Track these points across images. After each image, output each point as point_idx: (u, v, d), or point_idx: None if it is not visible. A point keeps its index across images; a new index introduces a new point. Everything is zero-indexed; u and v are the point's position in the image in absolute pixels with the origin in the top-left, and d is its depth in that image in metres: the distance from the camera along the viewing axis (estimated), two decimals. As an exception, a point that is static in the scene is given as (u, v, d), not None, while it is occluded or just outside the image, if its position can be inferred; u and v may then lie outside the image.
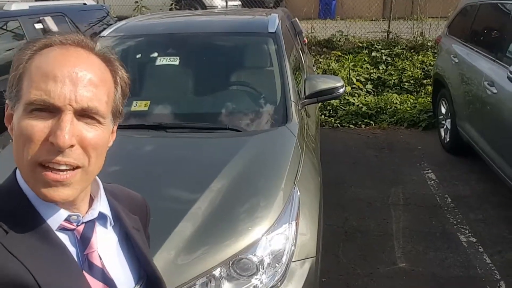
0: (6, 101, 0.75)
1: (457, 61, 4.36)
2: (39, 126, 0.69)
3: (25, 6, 4.05)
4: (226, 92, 2.50)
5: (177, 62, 2.58)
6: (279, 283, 1.45)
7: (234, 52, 2.72)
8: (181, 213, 1.53)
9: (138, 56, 2.76)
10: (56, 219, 0.75)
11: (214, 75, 2.57)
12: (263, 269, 1.43)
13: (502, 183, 3.42)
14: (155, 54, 2.66)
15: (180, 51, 2.66)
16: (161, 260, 1.36)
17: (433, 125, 5.36)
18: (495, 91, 3.37)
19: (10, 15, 3.78)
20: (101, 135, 0.75)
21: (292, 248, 1.54)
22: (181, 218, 1.51)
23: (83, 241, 0.78)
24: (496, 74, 3.42)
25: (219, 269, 1.39)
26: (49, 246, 0.73)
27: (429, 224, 3.38)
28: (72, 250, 0.76)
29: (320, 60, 7.35)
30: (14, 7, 3.89)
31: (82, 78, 0.71)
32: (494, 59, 3.59)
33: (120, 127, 2.28)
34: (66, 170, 0.71)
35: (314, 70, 4.26)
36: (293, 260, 1.52)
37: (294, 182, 1.77)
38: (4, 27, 3.75)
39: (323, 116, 5.89)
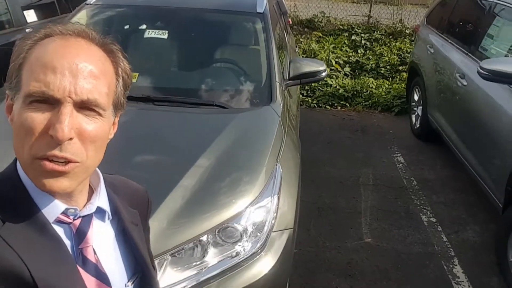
0: (7, 92, 0.74)
1: (432, 51, 4.54)
2: (39, 118, 0.68)
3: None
4: (213, 69, 2.56)
5: (165, 36, 2.61)
6: (259, 250, 1.60)
7: (222, 29, 2.77)
8: (171, 185, 1.63)
9: (126, 27, 2.77)
10: (53, 212, 0.74)
11: (203, 51, 2.62)
12: (246, 237, 1.56)
13: (464, 169, 3.68)
14: (144, 26, 2.68)
15: (169, 24, 2.69)
16: (152, 228, 1.45)
17: (405, 111, 5.59)
18: (465, 83, 3.57)
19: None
20: (101, 127, 0.73)
21: (273, 220, 1.68)
22: (171, 190, 1.61)
23: (79, 235, 0.77)
24: (467, 67, 3.62)
25: (206, 236, 1.51)
26: (45, 238, 0.72)
27: (394, 204, 3.62)
28: (67, 243, 0.75)
29: (301, 40, 7.42)
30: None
31: (82, 70, 0.70)
32: (467, 52, 3.78)
33: None
34: (64, 161, 0.70)
35: (296, 50, 4.35)
36: (273, 230, 1.66)
37: (277, 159, 1.90)
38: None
39: (301, 96, 6.01)
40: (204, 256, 1.50)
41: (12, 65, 0.73)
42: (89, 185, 0.82)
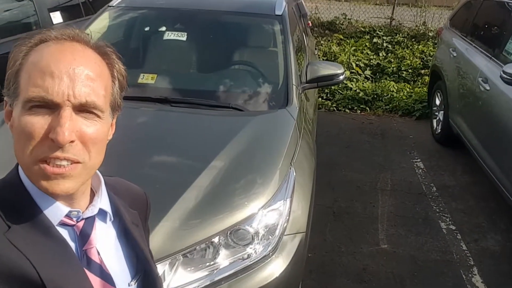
0: (5, 98, 0.76)
1: (455, 54, 4.45)
2: (39, 123, 0.70)
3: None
4: (231, 71, 2.58)
5: (184, 38, 2.64)
6: (271, 253, 1.60)
7: (240, 32, 2.79)
8: (184, 186, 1.64)
9: (147, 28, 2.82)
10: (57, 215, 0.76)
11: (220, 53, 2.65)
12: (257, 239, 1.56)
13: (484, 175, 3.59)
14: (163, 28, 2.72)
15: (188, 27, 2.73)
16: (165, 228, 1.48)
17: (426, 116, 5.49)
18: (488, 88, 3.49)
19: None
20: (100, 129, 0.75)
21: (285, 223, 1.67)
22: (184, 191, 1.63)
23: (82, 237, 0.78)
24: (490, 71, 3.53)
25: (218, 237, 1.52)
26: (51, 241, 0.74)
27: (413, 210, 3.56)
28: (71, 245, 0.77)
29: (322, 42, 7.39)
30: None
31: (79, 73, 0.71)
32: (490, 56, 3.69)
33: (127, 98, 2.36)
34: (66, 164, 0.71)
35: (316, 53, 4.33)
36: (285, 234, 1.66)
37: (291, 163, 1.90)
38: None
39: (320, 99, 5.98)
40: (215, 258, 1.51)
41: (9, 72, 0.74)
42: (91, 187, 0.83)
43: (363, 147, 4.76)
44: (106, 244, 0.82)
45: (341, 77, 2.66)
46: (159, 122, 2.12)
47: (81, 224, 0.78)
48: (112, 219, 0.85)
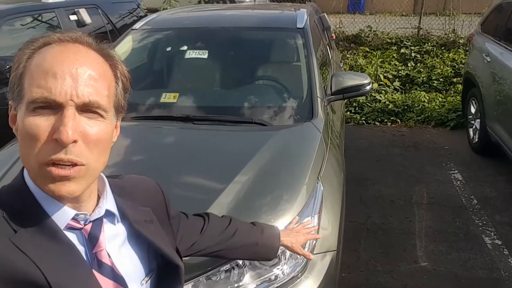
0: (9, 102, 0.75)
1: (489, 60, 4.26)
2: (43, 124, 0.69)
3: (61, -1, 4.22)
4: (253, 86, 2.54)
5: (205, 56, 2.63)
6: (299, 274, 1.50)
7: (262, 47, 2.76)
8: (207, 203, 1.58)
9: (168, 49, 2.83)
10: (63, 219, 0.75)
11: (242, 69, 2.62)
12: (285, 259, 1.47)
13: (531, 186, 3.35)
14: (185, 48, 2.73)
15: (209, 44, 2.72)
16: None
17: (461, 125, 5.26)
18: (527, 92, 3.29)
19: (47, 7, 3.94)
20: (104, 129, 0.74)
21: (314, 241, 1.58)
22: (207, 208, 1.56)
23: (91, 240, 0.78)
24: (529, 74, 3.33)
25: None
26: (58, 245, 0.73)
27: (453, 225, 3.35)
28: (81, 249, 0.76)
29: (348, 55, 7.30)
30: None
31: (82, 73, 0.71)
32: (528, 58, 3.50)
33: (150, 118, 2.34)
34: (70, 164, 0.71)
35: (341, 66, 4.25)
36: (314, 252, 1.56)
37: (318, 177, 1.81)
38: (41, 18, 3.91)
39: (348, 113, 5.86)
40: (241, 280, 1.43)
41: (13, 75, 0.74)
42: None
43: (395, 160, 4.58)
44: (116, 245, 0.82)
45: (368, 87, 2.56)
46: (180, 141, 2.09)
47: (88, 227, 0.77)
48: (119, 220, 0.84)
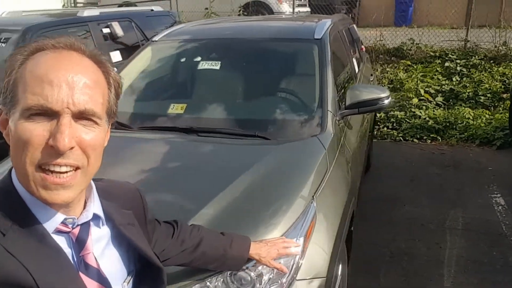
0: (0, 107, 0.76)
1: (538, 73, 3.88)
2: (38, 130, 0.70)
3: (96, 12, 4.39)
4: (261, 99, 2.45)
5: (217, 67, 2.59)
6: (279, 301, 1.37)
7: (275, 58, 2.67)
8: (190, 213, 1.52)
9: (182, 60, 2.83)
10: (52, 223, 0.76)
11: (252, 81, 2.55)
12: (260, 284, 1.35)
13: None
14: (198, 59, 2.70)
15: (222, 56, 2.68)
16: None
17: (509, 144, 4.84)
18: None
19: (81, 21, 4.11)
20: (98, 136, 0.76)
21: (299, 265, 1.44)
22: (190, 217, 1.48)
23: (79, 243, 0.79)
24: None
25: (215, 278, 1.34)
26: (46, 248, 0.74)
27: (489, 254, 3.03)
28: (68, 252, 0.77)
29: (388, 69, 7.02)
30: (86, 13, 4.23)
31: (77, 82, 0.72)
32: None
33: (156, 129, 2.29)
34: (66, 172, 0.72)
35: (371, 79, 4.05)
36: (298, 278, 1.43)
37: (313, 197, 1.67)
38: (75, 31, 4.08)
39: (385, 129, 5.61)
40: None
41: (5, 81, 0.74)
42: None
43: (432, 180, 4.28)
44: (101, 247, 0.84)
45: (386, 102, 2.39)
46: (177, 152, 2.04)
47: (76, 230, 0.79)
48: (104, 223, 0.86)
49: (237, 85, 2.51)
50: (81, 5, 10.24)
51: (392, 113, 5.80)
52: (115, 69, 0.85)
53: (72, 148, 0.71)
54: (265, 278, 1.37)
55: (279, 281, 1.39)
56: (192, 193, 1.66)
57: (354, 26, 4.02)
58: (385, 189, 4.04)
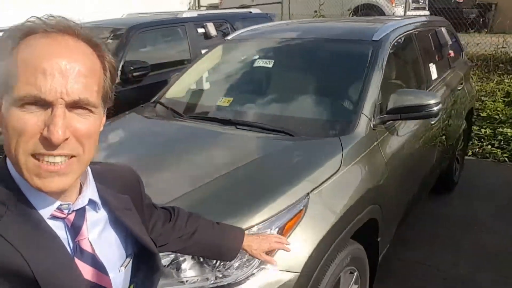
0: None
1: None
2: (32, 120, 0.68)
3: (194, 14, 4.83)
4: (300, 97, 2.47)
5: (270, 65, 2.70)
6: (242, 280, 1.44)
7: (328, 58, 2.66)
8: (180, 193, 1.68)
9: (242, 57, 3.00)
10: (47, 208, 0.75)
11: (297, 79, 2.59)
12: (225, 268, 1.44)
13: None
14: (255, 57, 2.85)
15: (277, 55, 2.78)
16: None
17: None
18: None
19: (178, 21, 4.58)
20: (93, 124, 0.74)
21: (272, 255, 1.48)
22: (182, 197, 1.65)
23: (74, 229, 0.78)
24: None
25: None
26: (41, 234, 0.73)
27: None
28: (64, 237, 0.77)
29: (506, 81, 6.20)
30: (185, 15, 4.71)
31: (71, 70, 0.70)
32: None
33: (202, 119, 2.51)
34: (61, 161, 0.71)
35: (459, 88, 3.67)
36: (267, 267, 1.47)
37: (308, 193, 1.69)
38: (171, 31, 4.58)
39: (489, 147, 5.01)
40: (180, 271, 1.46)
41: None
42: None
43: (527, 209, 3.71)
44: (97, 232, 0.83)
45: (435, 109, 2.21)
46: (204, 140, 2.21)
47: (72, 216, 0.78)
48: (100, 208, 0.85)
49: (281, 82, 2.59)
50: (204, 8, 11.18)
51: (500, 129, 5.16)
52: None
53: (66, 139, 0.70)
54: (235, 264, 1.45)
55: (246, 266, 1.46)
56: (187, 176, 1.82)
57: (443, 29, 3.70)
58: (465, 212, 3.64)
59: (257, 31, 3.27)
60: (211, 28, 4.71)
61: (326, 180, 1.79)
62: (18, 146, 0.69)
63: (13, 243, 0.69)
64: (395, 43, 2.65)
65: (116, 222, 0.87)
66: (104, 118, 0.81)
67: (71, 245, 0.77)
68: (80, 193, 0.80)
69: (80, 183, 0.82)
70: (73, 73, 0.69)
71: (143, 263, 0.91)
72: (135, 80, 3.83)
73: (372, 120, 2.18)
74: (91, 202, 0.82)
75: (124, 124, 2.57)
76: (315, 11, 8.74)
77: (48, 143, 0.68)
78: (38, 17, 0.73)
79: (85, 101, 0.71)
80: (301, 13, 9.31)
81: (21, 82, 0.68)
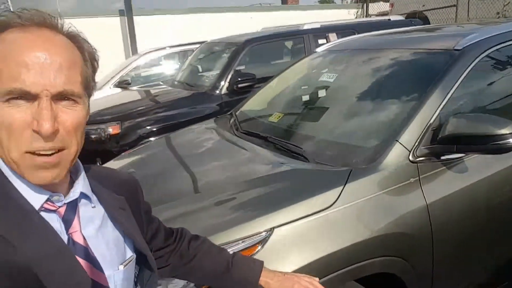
0: None
1: None
2: (20, 115, 0.69)
3: (316, 25, 4.69)
4: (337, 116, 2.15)
5: (332, 80, 2.44)
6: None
7: (390, 72, 2.21)
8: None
9: (314, 71, 2.79)
10: (38, 200, 0.75)
11: (346, 96, 2.25)
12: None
13: None
14: (324, 70, 2.62)
15: (342, 70, 2.51)
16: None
17: None
18: None
19: (296, 34, 4.54)
20: (80, 114, 0.75)
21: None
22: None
23: (66, 222, 0.78)
24: None
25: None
26: (33, 224, 0.73)
27: None
28: (58, 229, 0.76)
29: None
30: (306, 26, 4.63)
31: (54, 63, 0.70)
32: None
33: (247, 134, 2.53)
34: (52, 154, 0.72)
35: None
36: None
37: (273, 228, 1.48)
38: (288, 43, 4.56)
39: None
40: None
41: None
42: (70, 173, 0.84)
43: None
44: (93, 228, 0.82)
45: (509, 142, 1.60)
46: (228, 155, 2.16)
47: (63, 209, 0.78)
48: (94, 205, 0.84)
49: (333, 100, 2.31)
50: (373, 16, 10.71)
51: None
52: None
53: (55, 131, 0.70)
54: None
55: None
56: (179, 190, 1.82)
57: None
58: None
59: (347, 42, 3.00)
60: (333, 39, 4.51)
61: (307, 216, 1.52)
62: (9, 143, 0.70)
63: (5, 235, 0.69)
64: (489, 54, 2.03)
65: (114, 221, 0.87)
66: (89, 109, 0.82)
67: (66, 237, 0.77)
68: (71, 187, 0.81)
69: (72, 177, 0.83)
70: (56, 66, 0.70)
71: (145, 264, 0.91)
72: (240, 91, 3.99)
73: (413, 151, 1.74)
74: (83, 196, 0.82)
75: (188, 132, 2.74)
76: (498, 13, 7.36)
77: (38, 137, 0.69)
78: (11, 11, 0.73)
79: (70, 92, 0.72)
80: (480, 15, 8.01)
81: (4, 78, 0.68)
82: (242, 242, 1.45)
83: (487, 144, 1.64)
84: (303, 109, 2.43)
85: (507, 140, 1.62)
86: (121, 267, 0.84)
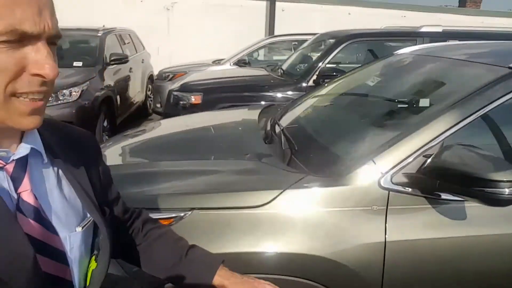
0: None
1: None
2: (14, 58, 0.63)
3: (438, 29, 4.10)
4: (343, 122, 1.92)
5: (372, 83, 2.21)
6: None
7: (427, 81, 1.89)
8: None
9: (376, 72, 2.52)
10: None
11: (366, 103, 2.02)
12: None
13: None
14: (377, 73, 2.37)
15: (393, 73, 2.27)
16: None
17: None
18: None
19: (411, 35, 4.12)
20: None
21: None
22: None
23: (14, 180, 0.71)
24: None
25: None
26: None
27: None
28: (7, 188, 0.70)
29: None
30: (424, 29, 4.11)
31: (47, 4, 0.66)
32: None
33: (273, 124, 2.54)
34: (41, 99, 0.68)
35: None
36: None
37: (192, 208, 1.47)
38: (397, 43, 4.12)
39: None
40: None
41: None
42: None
43: None
44: (46, 187, 0.76)
45: (506, 191, 1.21)
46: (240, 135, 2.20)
47: (11, 166, 0.71)
48: (46, 160, 0.78)
49: (359, 105, 2.10)
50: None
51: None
52: None
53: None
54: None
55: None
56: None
57: None
58: None
59: (428, 48, 2.63)
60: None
61: (233, 208, 1.46)
62: None
63: None
64: None
65: (70, 179, 0.80)
66: None
67: (12, 197, 0.70)
68: (20, 142, 0.74)
69: (21, 131, 0.74)
70: (49, 5, 0.66)
71: (98, 229, 0.83)
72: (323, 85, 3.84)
73: (388, 176, 1.46)
74: (35, 153, 0.75)
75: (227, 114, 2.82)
76: None
77: (36, 81, 0.65)
78: None
79: (59, 35, 0.68)
80: None
81: None
82: (160, 212, 1.47)
83: (475, 188, 1.28)
84: (327, 109, 2.27)
85: (502, 190, 1.24)
86: (79, 229, 0.78)
